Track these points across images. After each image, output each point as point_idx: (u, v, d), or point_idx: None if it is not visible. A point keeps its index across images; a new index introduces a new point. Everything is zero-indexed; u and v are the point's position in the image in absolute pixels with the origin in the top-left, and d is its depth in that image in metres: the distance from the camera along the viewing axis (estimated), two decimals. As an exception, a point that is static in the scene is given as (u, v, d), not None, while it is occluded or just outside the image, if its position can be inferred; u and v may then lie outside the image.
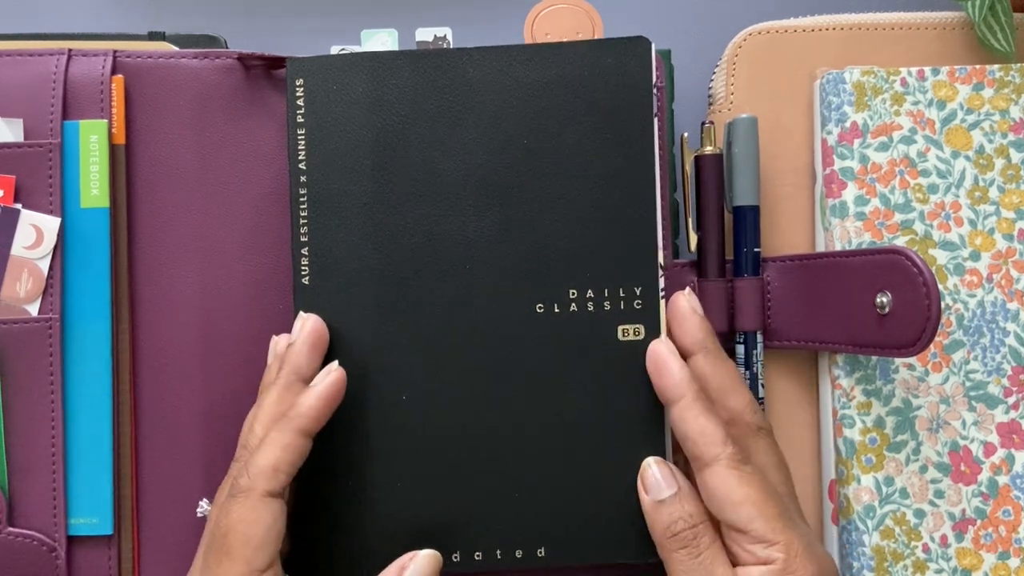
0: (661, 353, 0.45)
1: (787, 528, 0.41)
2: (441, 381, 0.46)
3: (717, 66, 0.53)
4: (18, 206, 0.47)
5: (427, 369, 0.46)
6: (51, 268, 0.46)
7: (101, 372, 0.47)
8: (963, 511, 0.48)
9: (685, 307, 0.46)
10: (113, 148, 0.48)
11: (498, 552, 0.46)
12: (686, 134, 0.51)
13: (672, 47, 0.54)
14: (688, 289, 0.47)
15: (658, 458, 0.45)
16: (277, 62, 0.49)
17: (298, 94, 0.46)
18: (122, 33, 0.51)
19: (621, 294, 0.46)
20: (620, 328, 0.46)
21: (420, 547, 0.45)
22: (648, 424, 0.46)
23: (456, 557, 0.45)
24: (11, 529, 0.46)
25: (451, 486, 0.46)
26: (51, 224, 0.46)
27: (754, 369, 0.50)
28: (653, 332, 0.46)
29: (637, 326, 0.46)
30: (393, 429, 0.46)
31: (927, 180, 0.49)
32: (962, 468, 0.48)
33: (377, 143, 0.46)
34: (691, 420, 0.43)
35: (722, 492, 0.42)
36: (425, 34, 0.52)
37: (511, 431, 0.46)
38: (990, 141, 0.49)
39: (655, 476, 0.44)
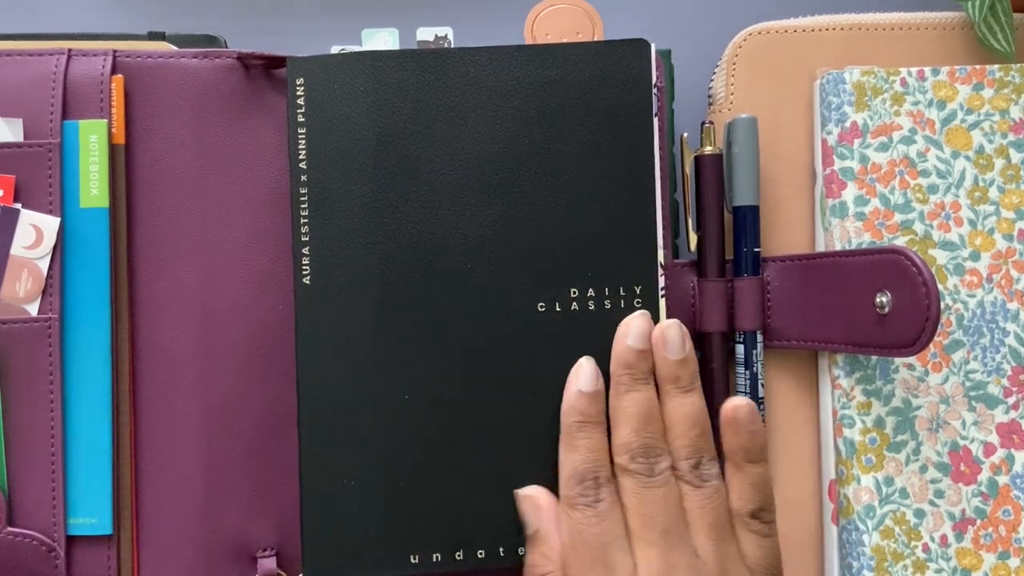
0: (568, 379, 0.45)
1: None
2: (442, 380, 0.46)
3: (717, 66, 0.53)
4: (18, 206, 0.46)
5: (428, 368, 0.46)
6: (51, 268, 0.46)
7: (101, 372, 0.47)
8: (963, 511, 0.48)
9: (620, 330, 0.45)
10: (113, 148, 0.48)
11: (500, 550, 0.46)
12: (686, 134, 0.51)
13: (672, 47, 0.54)
14: (641, 313, 0.46)
15: None
16: (277, 62, 0.49)
17: (299, 93, 0.46)
18: (122, 33, 0.51)
19: (622, 293, 0.46)
20: (621, 327, 0.46)
21: (423, 546, 0.45)
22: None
23: (459, 555, 0.45)
24: (11, 529, 0.46)
25: (454, 485, 0.46)
26: (51, 224, 0.46)
27: (754, 369, 0.50)
28: (653, 331, 0.46)
29: (638, 326, 0.46)
30: (394, 429, 0.46)
31: (927, 180, 0.49)
32: (962, 468, 0.48)
33: (378, 143, 0.46)
34: (559, 455, 0.44)
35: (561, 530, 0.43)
36: (426, 34, 0.52)
37: (513, 429, 0.46)
38: (990, 141, 0.49)
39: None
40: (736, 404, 0.44)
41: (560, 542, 0.43)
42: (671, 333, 0.45)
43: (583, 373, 0.45)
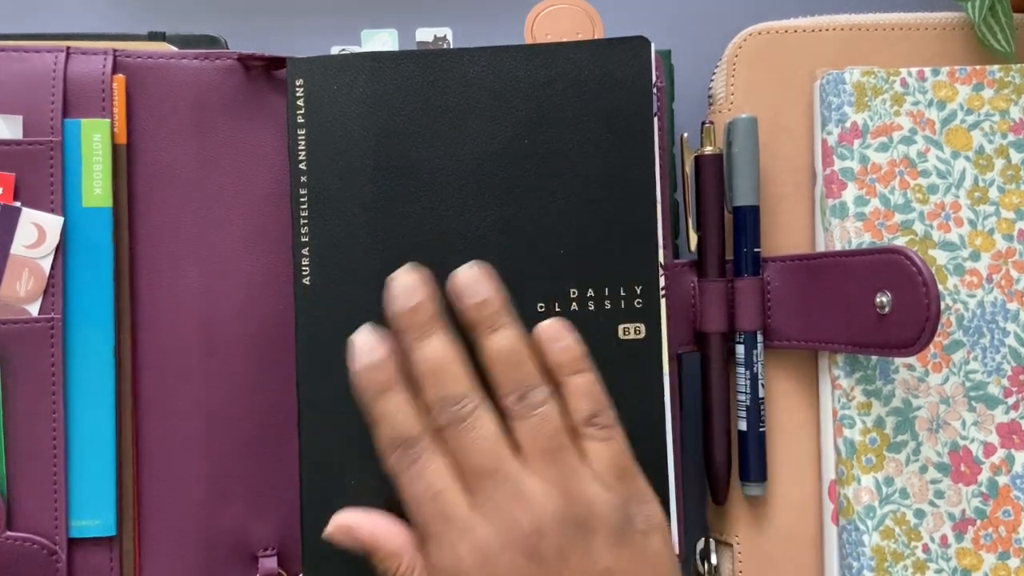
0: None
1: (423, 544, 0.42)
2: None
3: (717, 66, 0.53)
4: (17, 204, 0.46)
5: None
6: (53, 267, 0.46)
7: (103, 372, 0.47)
8: (963, 511, 0.48)
9: (387, 291, 0.43)
10: (115, 148, 0.48)
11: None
12: (686, 134, 0.51)
13: (672, 47, 0.54)
14: (403, 270, 0.43)
15: None
16: (277, 62, 0.49)
17: (298, 94, 0.47)
18: (122, 33, 0.51)
19: (622, 293, 0.46)
20: (621, 327, 0.46)
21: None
22: (649, 423, 0.46)
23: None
24: (9, 533, 0.46)
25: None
26: (54, 223, 0.46)
27: (754, 369, 0.50)
28: (653, 330, 0.46)
29: (638, 325, 0.46)
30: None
31: (927, 180, 0.49)
32: (962, 468, 0.48)
33: (378, 143, 0.46)
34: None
35: None
36: (425, 34, 0.52)
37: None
38: (990, 141, 0.49)
39: None
40: (541, 327, 0.43)
41: (392, 535, 0.43)
42: (462, 280, 0.43)
43: (352, 353, 0.43)
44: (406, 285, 0.43)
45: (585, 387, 0.43)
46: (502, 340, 0.43)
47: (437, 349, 0.42)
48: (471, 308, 0.43)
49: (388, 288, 0.43)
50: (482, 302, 0.43)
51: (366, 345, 0.43)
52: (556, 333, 0.43)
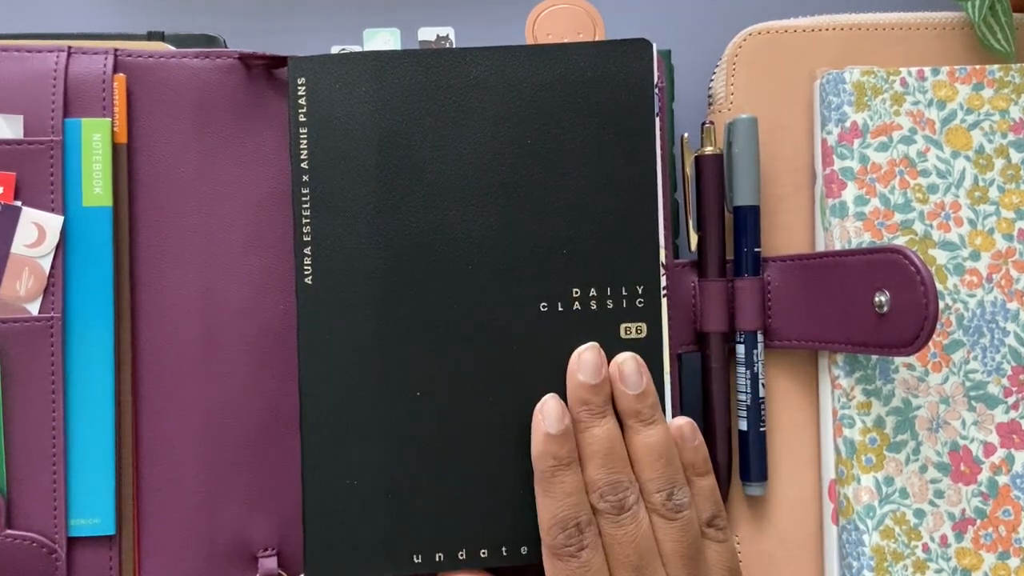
0: (533, 421, 0.44)
1: None
2: (444, 380, 0.46)
3: (717, 66, 0.53)
4: (18, 203, 0.46)
5: (430, 368, 0.46)
6: (53, 267, 0.46)
7: (103, 372, 0.47)
8: (963, 511, 0.48)
9: (571, 365, 0.45)
10: (115, 147, 0.48)
11: (503, 549, 0.46)
12: (686, 134, 0.51)
13: (672, 47, 0.54)
14: (590, 346, 0.45)
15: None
16: (278, 62, 0.49)
17: (300, 93, 0.46)
18: (121, 33, 0.51)
19: (624, 293, 0.46)
20: (623, 327, 0.46)
21: (425, 546, 0.45)
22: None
23: (462, 555, 0.45)
24: (9, 531, 0.46)
25: (456, 484, 0.46)
26: (54, 223, 0.46)
27: (754, 369, 0.50)
28: (655, 330, 0.46)
29: (639, 324, 0.46)
30: (396, 428, 0.46)
31: (927, 180, 0.49)
32: (962, 468, 0.48)
33: (380, 142, 0.46)
34: (536, 498, 0.44)
35: None
36: (427, 34, 0.52)
37: (515, 429, 0.46)
38: (990, 141, 0.49)
39: None
40: (679, 424, 0.45)
41: None
42: (627, 368, 0.44)
43: (549, 414, 0.44)
44: (594, 360, 0.44)
45: (709, 489, 0.45)
46: (659, 434, 0.44)
47: (612, 431, 0.44)
48: (632, 397, 0.44)
49: (575, 360, 0.45)
50: (643, 393, 0.44)
51: (557, 412, 0.44)
52: (690, 433, 0.45)
